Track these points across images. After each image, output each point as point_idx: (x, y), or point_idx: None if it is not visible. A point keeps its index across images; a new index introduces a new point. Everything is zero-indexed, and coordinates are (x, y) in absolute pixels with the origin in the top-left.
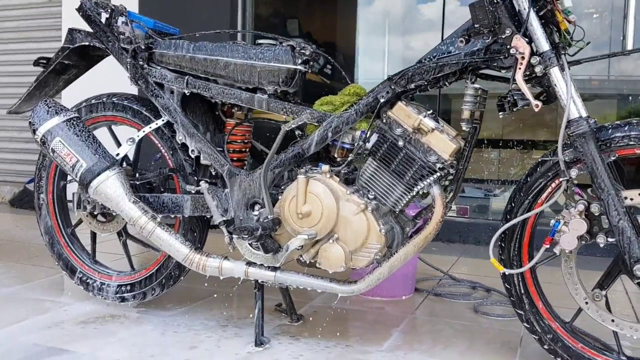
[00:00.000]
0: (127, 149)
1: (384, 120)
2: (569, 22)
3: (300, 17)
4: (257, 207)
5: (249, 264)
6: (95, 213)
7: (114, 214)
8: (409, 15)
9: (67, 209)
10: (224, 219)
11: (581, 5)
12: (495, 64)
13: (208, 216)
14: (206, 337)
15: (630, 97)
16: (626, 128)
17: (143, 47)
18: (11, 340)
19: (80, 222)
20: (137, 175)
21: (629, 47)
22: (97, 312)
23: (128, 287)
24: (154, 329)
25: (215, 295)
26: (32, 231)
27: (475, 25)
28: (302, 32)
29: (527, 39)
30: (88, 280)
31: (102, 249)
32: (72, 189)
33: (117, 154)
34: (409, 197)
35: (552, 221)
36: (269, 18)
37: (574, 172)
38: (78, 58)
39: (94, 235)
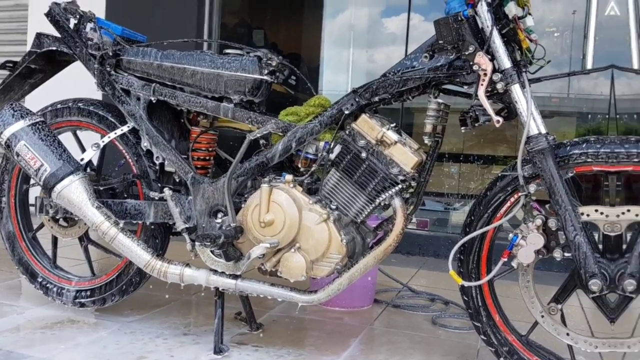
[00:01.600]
0: (92, 154)
1: (348, 132)
2: (531, 40)
3: (266, 28)
4: (220, 215)
5: (211, 271)
6: (58, 217)
7: (76, 218)
8: (373, 28)
9: (29, 213)
10: (187, 226)
11: (542, 24)
12: (458, 79)
13: (170, 223)
14: (164, 344)
15: (589, 115)
16: (584, 145)
17: (111, 54)
18: None
19: (41, 226)
20: (100, 180)
21: (589, 66)
22: (56, 317)
23: (88, 293)
24: (111, 335)
25: (173, 303)
26: None
27: (440, 42)
28: (267, 42)
29: (489, 56)
30: (48, 285)
31: (63, 254)
32: (34, 193)
33: (82, 159)
34: (371, 208)
35: (511, 235)
36: (235, 28)
37: (532, 187)
38: (45, 62)
39: (55, 240)
